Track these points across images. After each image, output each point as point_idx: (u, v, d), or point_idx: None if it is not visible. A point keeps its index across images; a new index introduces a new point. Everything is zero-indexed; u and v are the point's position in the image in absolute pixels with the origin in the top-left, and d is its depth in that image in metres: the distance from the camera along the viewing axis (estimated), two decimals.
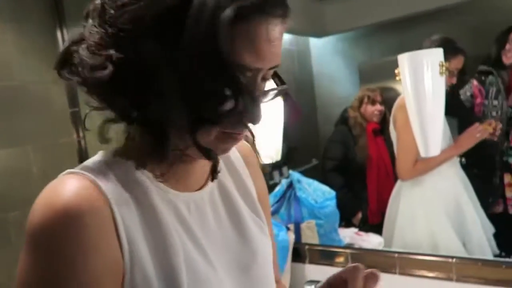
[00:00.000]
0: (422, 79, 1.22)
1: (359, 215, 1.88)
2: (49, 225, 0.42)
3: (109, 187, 0.46)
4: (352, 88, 2.14)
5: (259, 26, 0.43)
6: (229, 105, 0.43)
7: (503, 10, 1.63)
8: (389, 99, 1.76)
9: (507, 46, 1.51)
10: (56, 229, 0.42)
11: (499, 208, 1.54)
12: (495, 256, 1.40)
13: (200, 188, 0.55)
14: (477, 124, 1.42)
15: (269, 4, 0.43)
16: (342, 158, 1.93)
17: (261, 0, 0.42)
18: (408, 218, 1.50)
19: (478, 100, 1.55)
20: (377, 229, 1.62)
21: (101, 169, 0.48)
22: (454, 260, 1.16)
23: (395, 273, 1.24)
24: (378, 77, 2.06)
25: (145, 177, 0.49)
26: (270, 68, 0.47)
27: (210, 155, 0.47)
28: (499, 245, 1.42)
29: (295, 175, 1.52)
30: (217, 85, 0.42)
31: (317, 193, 1.51)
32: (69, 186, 0.44)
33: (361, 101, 1.89)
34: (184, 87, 0.42)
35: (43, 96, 1.69)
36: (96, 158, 0.50)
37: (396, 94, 1.68)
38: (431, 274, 1.19)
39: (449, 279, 1.16)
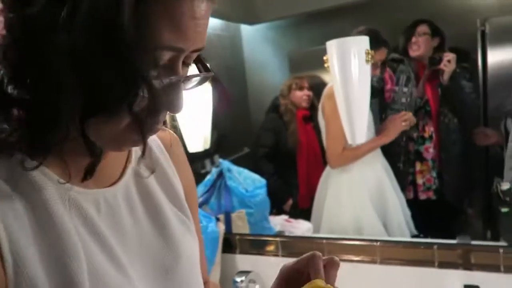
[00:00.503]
0: (349, 65, 1.24)
1: (290, 201, 1.90)
2: None
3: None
4: (282, 76, 2.15)
5: (184, 1, 0.37)
6: (140, 92, 0.37)
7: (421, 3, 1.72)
8: (317, 87, 1.79)
9: (413, 39, 1.60)
10: None
11: (410, 194, 1.64)
12: (413, 236, 1.49)
13: (113, 184, 0.49)
14: (403, 112, 1.48)
15: None
16: (273, 145, 1.94)
17: None
18: (335, 204, 1.55)
19: (389, 86, 1.62)
20: (307, 214, 1.65)
21: None
22: (378, 243, 1.21)
23: None
24: (307, 65, 2.09)
25: (39, 173, 0.42)
26: (194, 51, 0.41)
27: (94, 150, 0.41)
28: (417, 228, 1.51)
29: (225, 163, 1.48)
30: (123, 67, 0.35)
31: (248, 181, 1.49)
32: None
33: (289, 88, 1.92)
34: (80, 69, 0.36)
35: None
36: None
37: (325, 83, 1.71)
38: (357, 258, 1.22)
39: (373, 262, 1.20)
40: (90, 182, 0.46)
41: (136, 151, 0.53)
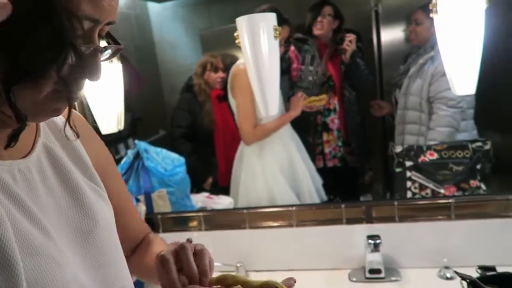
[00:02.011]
0: (259, 41, 1.28)
1: (210, 179, 1.93)
2: None
3: None
4: (195, 56, 2.14)
5: None
6: (61, 57, 0.39)
7: None
8: (230, 65, 1.83)
9: (319, 19, 1.72)
10: None
11: (320, 163, 1.79)
12: (325, 202, 1.63)
13: (25, 157, 0.50)
14: (300, 93, 1.61)
15: None
16: (189, 125, 1.94)
17: None
18: (249, 178, 1.63)
19: (295, 65, 1.73)
20: (228, 191, 1.71)
21: None
22: (294, 208, 1.30)
23: (245, 228, 1.32)
24: (219, 44, 2.10)
25: None
26: (107, 24, 0.44)
27: (21, 116, 0.41)
28: (327, 193, 1.65)
29: (142, 144, 1.45)
30: (54, 31, 0.37)
31: (166, 161, 1.48)
32: None
33: (204, 68, 1.91)
34: (8, 33, 0.36)
35: None
36: None
37: (236, 60, 1.75)
38: (275, 224, 1.31)
39: (290, 225, 1.30)
40: (3, 154, 0.46)
41: (43, 125, 0.55)
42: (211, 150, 1.94)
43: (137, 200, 1.32)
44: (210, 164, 1.96)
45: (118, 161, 1.48)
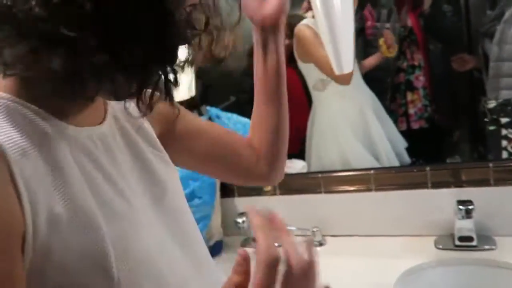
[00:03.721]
0: None
1: None
2: None
3: (7, 133, 0.39)
4: None
5: None
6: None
7: None
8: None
9: None
10: None
11: (403, 126, 1.66)
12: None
13: (100, 123, 0.51)
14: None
15: None
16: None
17: None
18: (321, 141, 1.57)
19: (369, 23, 1.59)
20: (299, 156, 1.67)
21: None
22: (372, 171, 1.23)
23: (320, 192, 1.29)
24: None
25: (39, 118, 0.43)
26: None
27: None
28: (410, 156, 1.54)
29: (214, 110, 1.46)
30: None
31: (238, 126, 1.48)
32: None
33: None
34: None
35: None
36: None
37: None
38: (352, 188, 1.26)
39: (368, 190, 1.23)
40: (79, 122, 0.47)
41: None
42: None
43: None
44: None
45: None
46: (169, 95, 0.47)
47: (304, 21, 1.54)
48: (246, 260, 0.42)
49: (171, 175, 0.59)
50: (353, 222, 1.26)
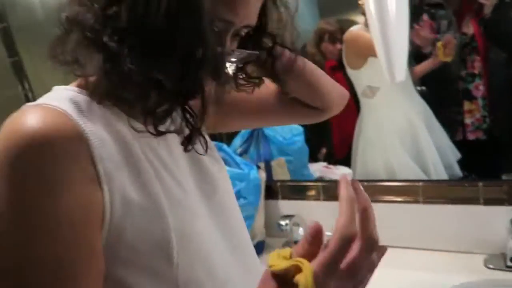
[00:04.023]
0: (386, 3, 1.18)
1: (324, 150, 1.90)
2: (13, 155, 0.38)
3: (82, 119, 0.43)
4: (311, 20, 2.06)
5: None
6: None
7: None
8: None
9: None
10: (21, 159, 0.38)
11: (459, 136, 1.59)
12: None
13: None
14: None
15: None
16: None
17: None
18: (367, 148, 1.55)
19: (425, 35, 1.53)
20: (345, 162, 1.66)
21: (69, 103, 0.44)
22: (420, 183, 1.20)
23: None
24: (338, 7, 1.99)
25: (106, 108, 0.48)
26: (244, 27, 0.47)
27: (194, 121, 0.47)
28: (463, 169, 1.48)
29: None
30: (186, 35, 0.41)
31: (285, 130, 1.50)
32: (37, 115, 0.40)
33: (320, 38, 1.82)
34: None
35: None
36: (55, 93, 0.47)
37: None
38: (399, 199, 1.23)
39: (415, 201, 1.20)
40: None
41: None
42: (325, 121, 1.89)
43: (258, 167, 1.37)
44: (324, 135, 1.92)
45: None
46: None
47: (355, 26, 1.53)
48: (318, 232, 0.41)
49: (222, 174, 0.62)
50: (398, 234, 1.23)
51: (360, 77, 1.53)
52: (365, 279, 0.42)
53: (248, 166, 1.30)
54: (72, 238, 0.40)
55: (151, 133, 0.45)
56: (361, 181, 1.29)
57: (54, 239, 0.39)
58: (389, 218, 1.24)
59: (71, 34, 0.44)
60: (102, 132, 0.45)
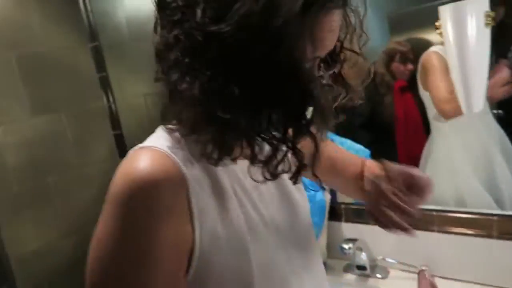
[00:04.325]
0: (466, 31, 1.15)
1: None
2: (127, 195, 0.45)
3: (181, 160, 0.48)
4: (381, 39, 2.04)
5: (323, 19, 0.43)
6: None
7: None
8: (420, 51, 1.69)
9: None
10: (133, 199, 0.44)
11: None
12: None
13: None
14: None
15: None
16: (369, 114, 1.89)
17: None
18: (435, 174, 1.50)
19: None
20: None
21: (171, 144, 0.50)
22: (495, 217, 1.16)
23: (433, 230, 1.25)
24: (408, 26, 1.95)
25: (202, 147, 0.51)
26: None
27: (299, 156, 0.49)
28: None
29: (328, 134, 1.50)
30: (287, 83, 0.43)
31: (351, 151, 1.49)
32: (146, 158, 0.47)
33: (391, 57, 1.80)
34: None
35: (70, 61, 1.68)
36: (160, 134, 0.53)
37: (428, 46, 1.61)
38: (470, 231, 1.19)
39: (488, 236, 1.16)
40: (236, 156, 0.54)
41: None
42: (391, 143, 1.86)
43: (323, 189, 1.38)
44: (390, 157, 1.88)
45: None
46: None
47: (433, 48, 1.48)
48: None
49: (304, 202, 0.65)
50: (467, 267, 1.19)
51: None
52: None
53: (315, 187, 1.32)
54: (165, 270, 0.45)
55: (267, 179, 0.49)
56: (430, 210, 1.28)
57: (155, 267, 0.44)
58: (457, 250, 1.20)
59: (177, 99, 0.47)
60: (198, 171, 0.50)
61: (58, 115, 1.62)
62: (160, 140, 0.50)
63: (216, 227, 0.49)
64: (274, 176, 0.49)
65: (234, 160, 0.52)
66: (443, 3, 1.19)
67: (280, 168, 0.49)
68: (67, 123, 1.64)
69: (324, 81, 0.49)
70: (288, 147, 0.47)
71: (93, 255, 0.45)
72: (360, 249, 1.28)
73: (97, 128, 1.72)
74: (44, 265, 1.57)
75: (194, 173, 0.49)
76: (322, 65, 0.51)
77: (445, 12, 1.16)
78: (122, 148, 1.73)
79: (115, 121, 1.74)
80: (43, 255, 1.57)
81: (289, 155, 0.49)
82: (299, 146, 0.48)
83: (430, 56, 1.47)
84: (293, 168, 0.50)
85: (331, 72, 0.49)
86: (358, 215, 1.40)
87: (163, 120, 0.51)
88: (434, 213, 1.25)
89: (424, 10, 1.24)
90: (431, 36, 1.62)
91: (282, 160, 0.48)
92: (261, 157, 0.48)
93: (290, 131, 0.47)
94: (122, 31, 1.77)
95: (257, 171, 0.58)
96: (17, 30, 1.52)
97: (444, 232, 1.23)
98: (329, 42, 0.46)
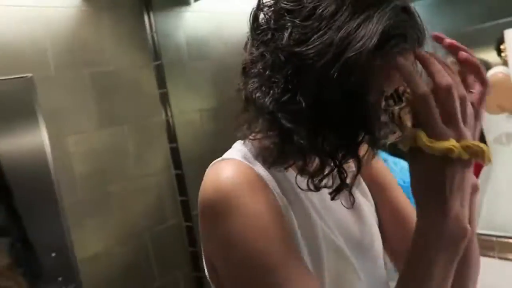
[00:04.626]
0: None
1: None
2: (215, 204, 0.50)
3: (261, 171, 0.53)
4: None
5: (395, 57, 0.45)
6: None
7: None
8: None
9: None
10: (221, 204, 0.49)
11: None
12: None
13: None
14: None
15: (411, 38, 0.45)
16: None
17: (403, 37, 0.45)
18: (495, 199, 1.45)
19: None
20: None
21: (251, 158, 0.55)
22: None
23: (493, 257, 1.19)
24: (468, 45, 1.90)
25: (285, 172, 0.56)
26: None
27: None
28: None
29: (382, 154, 1.49)
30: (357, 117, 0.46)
31: (404, 172, 1.47)
32: (230, 168, 0.52)
33: None
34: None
35: (135, 79, 1.80)
36: (239, 148, 0.57)
37: (487, 67, 1.57)
38: None
39: None
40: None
41: None
42: None
43: None
44: None
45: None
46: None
47: (496, 68, 1.44)
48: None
49: (376, 225, 0.65)
50: None
51: (496, 123, 1.45)
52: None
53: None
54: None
55: (311, 189, 0.52)
56: (490, 235, 1.24)
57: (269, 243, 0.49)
58: None
59: (251, 106, 0.51)
60: (270, 176, 0.54)
61: (122, 128, 1.74)
62: (242, 153, 0.55)
63: (298, 241, 0.53)
64: (317, 188, 0.51)
65: (286, 168, 0.54)
66: (495, 25, 1.17)
67: (323, 182, 0.51)
68: (129, 135, 1.75)
69: (384, 117, 0.51)
70: (335, 164, 0.49)
71: (230, 265, 0.50)
72: None
73: (155, 140, 1.81)
74: (101, 269, 1.66)
75: (268, 177, 0.54)
76: (386, 101, 0.52)
77: (510, 35, 1.14)
78: (177, 161, 1.81)
79: (171, 134, 1.83)
80: (101, 259, 1.67)
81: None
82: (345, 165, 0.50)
83: (494, 76, 1.42)
84: (336, 184, 0.52)
85: (392, 109, 0.50)
86: None
87: (235, 125, 0.56)
88: (494, 238, 1.20)
89: (481, 31, 1.22)
90: (491, 55, 1.59)
91: (328, 175, 0.50)
92: (310, 168, 0.51)
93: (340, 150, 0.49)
94: (181, 51, 1.88)
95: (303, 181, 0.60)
96: (91, 51, 1.66)
97: (504, 258, 1.18)
98: (397, 79, 0.47)
